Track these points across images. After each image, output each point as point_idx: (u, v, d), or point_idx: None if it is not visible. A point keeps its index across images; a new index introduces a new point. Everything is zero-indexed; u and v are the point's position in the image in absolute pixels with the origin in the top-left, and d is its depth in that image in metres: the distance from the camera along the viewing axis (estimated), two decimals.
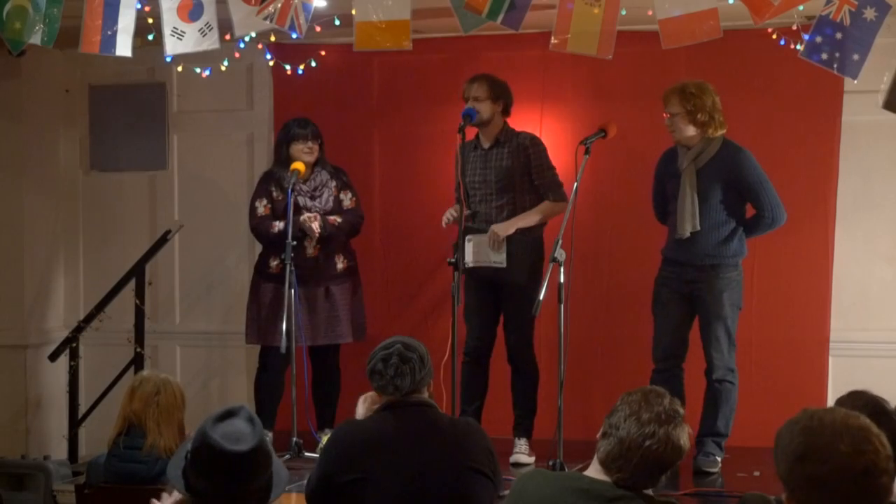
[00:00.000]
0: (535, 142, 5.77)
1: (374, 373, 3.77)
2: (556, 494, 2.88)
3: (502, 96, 5.75)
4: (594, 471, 2.92)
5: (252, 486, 2.58)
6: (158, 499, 2.96)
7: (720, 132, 5.44)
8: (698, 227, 5.39)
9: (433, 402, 3.84)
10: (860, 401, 3.23)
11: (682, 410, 2.91)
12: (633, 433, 2.83)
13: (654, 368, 5.54)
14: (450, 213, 5.69)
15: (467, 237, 5.60)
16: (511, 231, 5.60)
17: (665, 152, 5.66)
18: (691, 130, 5.41)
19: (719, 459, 5.51)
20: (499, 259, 5.58)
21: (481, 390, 5.83)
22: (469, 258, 5.57)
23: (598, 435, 2.94)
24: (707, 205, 5.40)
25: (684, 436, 2.88)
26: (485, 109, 5.70)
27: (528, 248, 5.68)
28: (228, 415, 2.61)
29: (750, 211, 5.54)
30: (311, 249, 6.00)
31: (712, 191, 5.40)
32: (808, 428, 2.27)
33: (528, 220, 5.66)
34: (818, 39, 4.68)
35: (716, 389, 5.49)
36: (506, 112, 5.78)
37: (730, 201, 5.44)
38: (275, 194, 6.07)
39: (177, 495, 2.84)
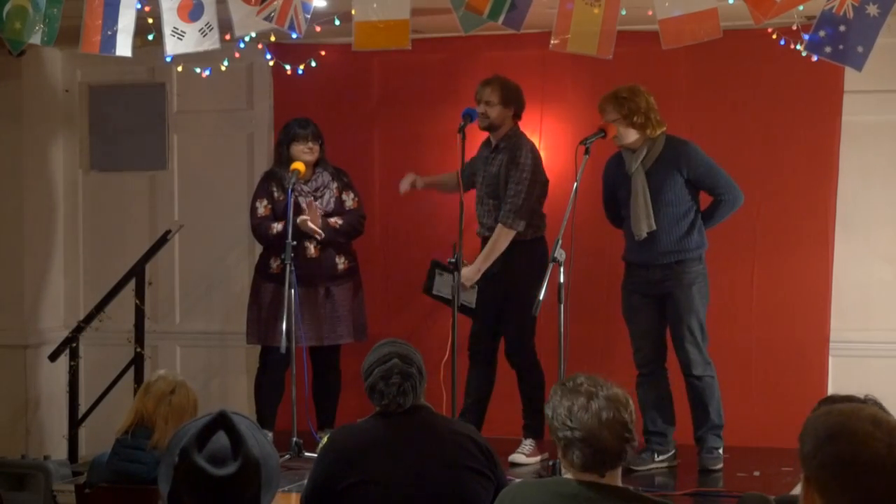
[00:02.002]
0: (522, 155, 5.66)
1: (375, 391, 3.69)
2: (547, 502, 2.88)
3: (513, 101, 5.73)
4: (573, 476, 2.92)
5: (242, 500, 2.57)
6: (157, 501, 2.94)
7: (660, 130, 5.45)
8: (654, 227, 5.40)
9: (427, 404, 3.82)
10: (831, 401, 3.23)
11: (594, 376, 2.97)
12: (589, 422, 2.86)
13: (638, 374, 5.55)
14: (406, 182, 5.99)
15: (437, 271, 5.69)
16: (477, 277, 5.61)
17: (609, 159, 5.67)
18: (632, 134, 5.42)
19: (721, 451, 5.52)
20: (467, 299, 5.63)
21: (481, 387, 5.80)
22: (436, 288, 5.71)
23: (560, 455, 2.94)
24: (661, 202, 5.40)
25: (615, 387, 2.95)
26: (495, 114, 5.70)
27: (525, 253, 5.68)
28: (210, 429, 2.57)
29: (705, 201, 5.53)
30: (312, 250, 5.99)
31: (664, 188, 5.41)
32: (848, 412, 2.18)
33: (489, 256, 5.66)
34: (821, 34, 4.68)
35: (698, 386, 5.47)
36: (517, 116, 5.78)
37: (683, 195, 5.44)
38: (276, 194, 6.07)
39: None
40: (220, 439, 2.48)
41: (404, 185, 6.06)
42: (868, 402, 3.03)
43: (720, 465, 5.48)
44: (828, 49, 4.68)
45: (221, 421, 2.51)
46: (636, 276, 5.54)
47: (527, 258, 5.66)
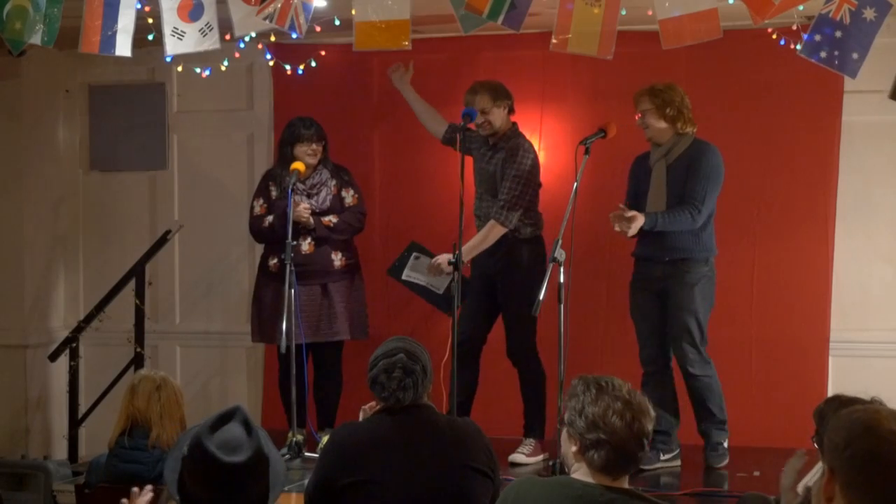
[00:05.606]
0: (520, 154, 5.68)
1: (376, 384, 3.71)
2: (553, 501, 2.87)
3: (503, 98, 5.74)
4: (582, 474, 2.92)
5: (250, 494, 2.57)
6: (154, 496, 2.95)
7: (690, 129, 5.48)
8: None
9: (430, 403, 3.82)
10: (836, 402, 3.22)
11: (625, 381, 2.96)
12: (622, 430, 2.85)
13: (644, 372, 5.55)
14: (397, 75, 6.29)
15: (415, 254, 5.78)
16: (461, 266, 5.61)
17: (637, 157, 5.70)
18: (661, 124, 5.47)
19: (727, 445, 5.54)
20: (436, 284, 5.70)
21: (467, 386, 5.77)
22: (406, 273, 5.76)
23: (575, 450, 2.91)
24: (677, 198, 5.41)
25: (637, 393, 2.95)
26: (496, 119, 5.72)
27: (525, 251, 5.68)
28: (223, 420, 2.58)
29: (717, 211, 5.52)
30: (306, 246, 5.97)
31: (682, 185, 5.41)
32: (882, 412, 2.14)
33: (475, 248, 5.67)
34: (817, 38, 4.68)
35: (696, 386, 5.49)
36: (511, 111, 5.78)
37: None
38: (272, 193, 6.06)
39: (148, 495, 2.82)
40: (234, 429, 2.50)
41: (395, 76, 6.27)
42: (875, 403, 3.03)
43: (725, 462, 5.50)
44: (823, 54, 4.68)
45: (236, 413, 2.53)
46: (642, 271, 5.55)
47: (527, 256, 5.67)
